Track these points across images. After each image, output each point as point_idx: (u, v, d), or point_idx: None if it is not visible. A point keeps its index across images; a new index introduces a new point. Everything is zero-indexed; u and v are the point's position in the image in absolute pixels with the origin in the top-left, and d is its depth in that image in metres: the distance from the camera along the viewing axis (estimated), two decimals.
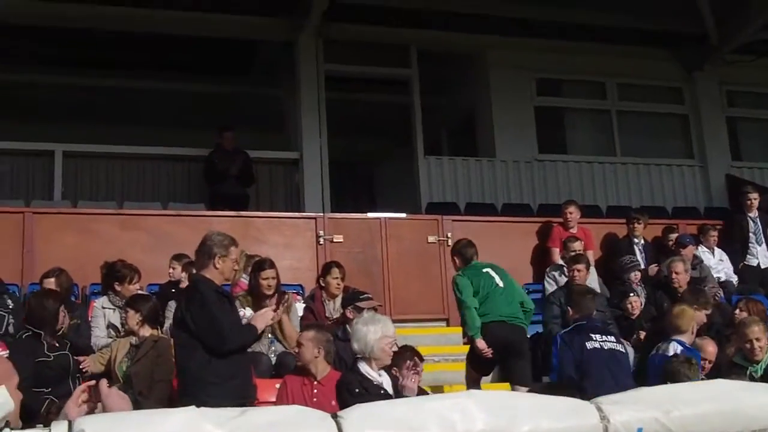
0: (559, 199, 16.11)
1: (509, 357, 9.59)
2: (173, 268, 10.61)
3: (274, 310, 7.86)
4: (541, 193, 16.83)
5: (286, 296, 9.52)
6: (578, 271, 11.21)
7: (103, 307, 9.76)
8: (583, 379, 8.50)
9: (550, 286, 11.91)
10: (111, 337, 9.48)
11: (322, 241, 12.37)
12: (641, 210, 14.15)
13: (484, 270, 9.93)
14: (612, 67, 17.84)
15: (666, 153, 18.15)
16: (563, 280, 11.75)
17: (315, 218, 12.93)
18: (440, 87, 18.10)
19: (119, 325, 9.49)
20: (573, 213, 13.22)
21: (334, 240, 12.34)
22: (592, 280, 11.77)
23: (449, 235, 12.66)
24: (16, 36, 16.13)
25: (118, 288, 9.88)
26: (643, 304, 11.41)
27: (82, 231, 12.10)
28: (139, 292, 9.72)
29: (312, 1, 15.52)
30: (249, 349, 7.84)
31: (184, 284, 9.57)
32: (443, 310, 12.48)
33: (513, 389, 9.14)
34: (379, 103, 18.14)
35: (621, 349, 9.01)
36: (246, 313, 8.84)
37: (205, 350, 6.96)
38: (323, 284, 10.22)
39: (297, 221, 12.92)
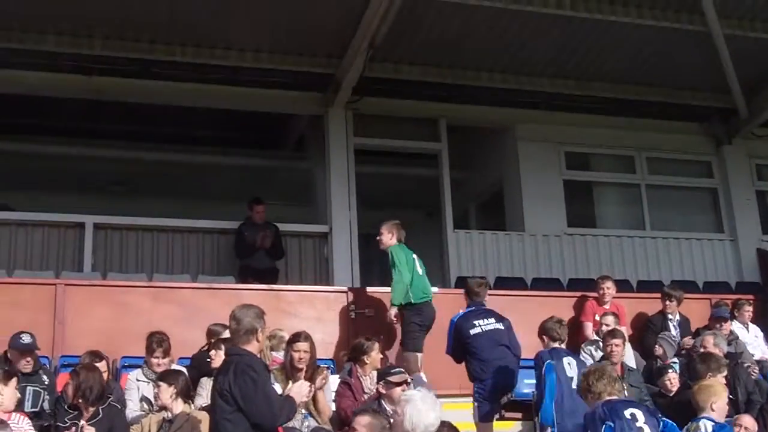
0: (589, 273, 16.07)
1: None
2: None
3: (310, 385, 7.77)
4: (571, 267, 16.76)
5: (321, 370, 9.46)
6: (615, 345, 11.10)
7: (137, 380, 9.71)
8: None
9: (586, 362, 11.77)
10: (144, 411, 9.41)
11: (353, 314, 12.27)
12: (675, 286, 14.01)
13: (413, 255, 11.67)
14: (641, 140, 17.88)
15: (696, 227, 18.09)
16: (599, 355, 11.62)
17: (346, 291, 12.88)
18: (469, 160, 18.18)
19: (153, 399, 9.41)
20: (609, 288, 13.10)
21: (366, 313, 12.26)
22: (629, 356, 11.65)
23: None
24: (48, 108, 16.35)
25: (147, 359, 9.87)
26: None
27: (113, 303, 12.07)
28: (174, 367, 9.67)
29: (342, 76, 15.68)
30: None
31: (216, 359, 9.43)
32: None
33: None
34: (408, 176, 18.20)
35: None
36: (277, 387, 8.73)
37: (251, 426, 6.88)
38: (366, 360, 10.13)
39: (328, 294, 12.87)
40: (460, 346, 10.62)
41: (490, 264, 16.39)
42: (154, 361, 9.74)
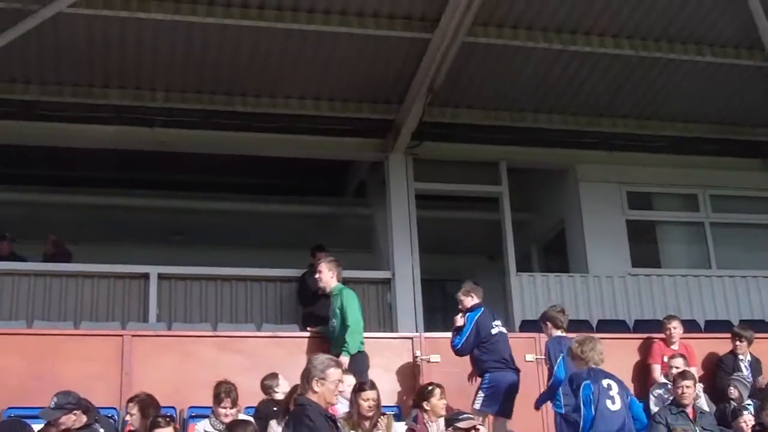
0: (655, 314, 15.88)
1: None
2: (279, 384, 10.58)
3: None
4: (636, 308, 16.57)
5: (387, 417, 9.43)
6: (686, 387, 10.92)
7: (205, 430, 9.70)
8: None
9: (656, 406, 11.60)
10: None
11: (419, 361, 12.20)
12: (745, 326, 13.75)
13: None
14: (703, 178, 17.72)
15: (762, 264, 17.77)
16: (669, 398, 11.44)
17: (411, 338, 12.78)
18: (530, 202, 18.15)
19: None
20: (676, 328, 12.85)
21: (431, 360, 12.18)
22: (702, 398, 11.45)
23: None
24: (109, 161, 16.59)
25: (214, 409, 9.87)
26: None
27: (179, 353, 12.06)
28: (241, 416, 9.65)
29: (402, 122, 15.75)
30: None
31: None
32: (543, 430, 12.19)
33: None
34: (469, 220, 18.20)
35: None
36: None
37: None
38: (426, 406, 10.06)
39: (392, 341, 12.76)
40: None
41: None
42: (222, 411, 9.72)
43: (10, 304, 14.82)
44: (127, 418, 9.72)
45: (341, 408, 9.78)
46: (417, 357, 12.27)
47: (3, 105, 15.20)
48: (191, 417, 11.12)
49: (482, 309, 11.51)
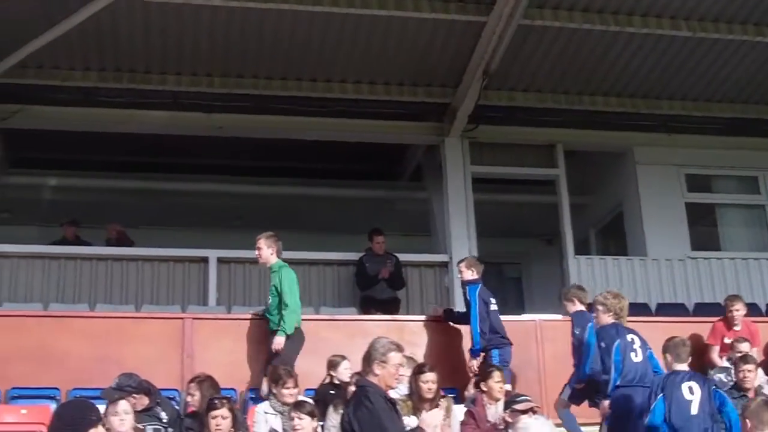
0: (715, 297, 15.73)
1: None
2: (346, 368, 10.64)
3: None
4: (696, 291, 16.42)
5: (445, 400, 9.45)
6: (748, 371, 10.81)
7: (265, 413, 9.77)
8: None
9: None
10: None
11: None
12: None
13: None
14: (764, 160, 17.45)
15: None
16: (730, 382, 11.32)
17: None
18: (588, 185, 18.04)
19: (281, 430, 9.47)
20: (739, 310, 12.70)
21: None
22: (762, 381, 11.33)
23: None
24: (168, 147, 16.75)
25: (274, 391, 9.94)
26: None
27: (238, 336, 12.19)
28: (301, 398, 9.72)
29: (458, 105, 15.73)
30: None
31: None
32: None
33: None
34: (527, 203, 18.14)
35: None
36: (408, 420, 8.69)
37: None
38: (485, 388, 10.08)
39: (450, 325, 12.77)
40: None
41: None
42: (286, 391, 9.77)
43: (73, 287, 15.08)
44: (188, 399, 9.83)
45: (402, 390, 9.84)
46: None
47: (63, 92, 15.43)
48: (251, 398, 11.24)
49: (481, 284, 11.75)
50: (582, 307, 11.20)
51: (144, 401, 9.45)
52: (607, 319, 9.99)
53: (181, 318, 12.40)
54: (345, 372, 10.49)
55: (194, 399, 9.63)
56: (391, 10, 14.49)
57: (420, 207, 17.63)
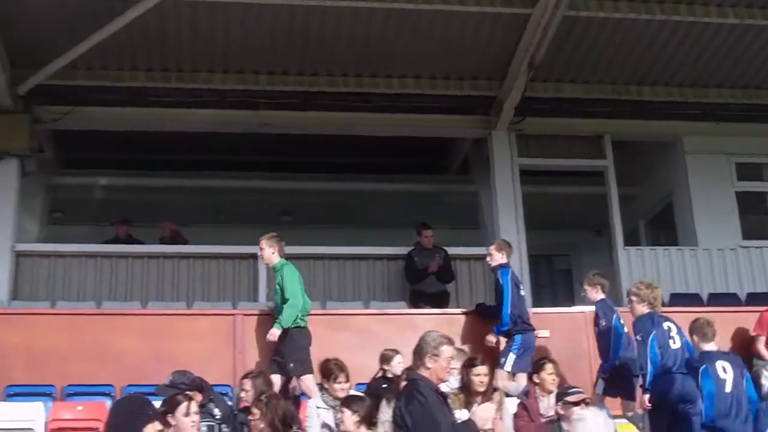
0: (767, 286, 15.59)
1: None
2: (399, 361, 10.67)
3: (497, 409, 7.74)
4: (748, 280, 16.27)
5: (497, 393, 9.45)
6: None
7: (317, 407, 9.82)
8: None
9: None
10: None
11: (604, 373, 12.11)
12: None
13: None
14: None
15: None
16: None
17: None
18: (636, 176, 17.93)
19: (333, 425, 9.51)
20: None
21: (540, 335, 12.15)
22: None
23: None
24: (215, 144, 16.90)
25: (326, 385, 9.99)
26: None
27: None
28: (352, 392, 9.75)
29: (504, 98, 15.71)
30: None
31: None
32: None
33: None
34: (575, 195, 18.06)
35: None
36: (459, 414, 8.69)
37: None
38: (537, 380, 10.08)
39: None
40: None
41: (664, 280, 15.96)
42: (337, 386, 9.82)
43: (125, 285, 15.25)
44: (242, 394, 9.91)
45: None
46: None
47: (111, 93, 15.60)
48: (303, 394, 11.29)
49: (511, 268, 11.86)
50: (604, 296, 11.37)
51: (197, 398, 9.52)
52: (642, 309, 10.16)
53: (232, 314, 12.52)
54: (398, 366, 10.50)
55: (248, 394, 9.71)
56: (436, 4, 14.52)
57: (468, 200, 17.61)
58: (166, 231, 16.13)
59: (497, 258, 11.95)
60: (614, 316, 10.98)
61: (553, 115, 16.45)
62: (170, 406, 8.25)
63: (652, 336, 9.69)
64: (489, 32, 15.08)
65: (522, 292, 11.86)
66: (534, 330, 11.67)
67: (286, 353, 11.16)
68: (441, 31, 15.00)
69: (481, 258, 15.67)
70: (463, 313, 12.89)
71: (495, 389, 9.69)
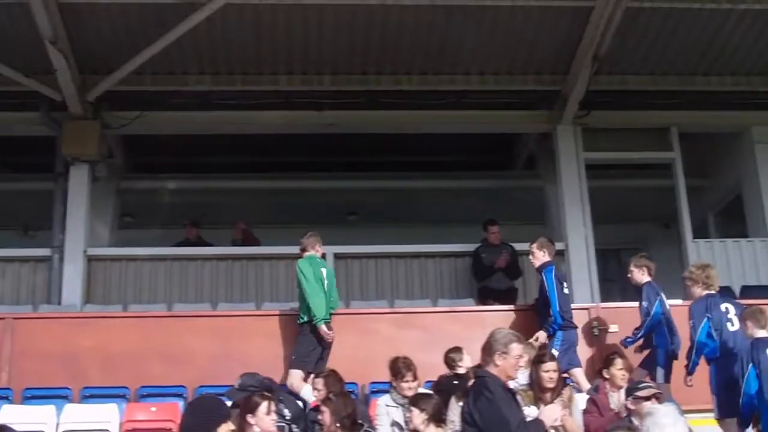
0: None
1: None
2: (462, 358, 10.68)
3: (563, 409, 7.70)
4: None
5: (567, 389, 9.42)
6: None
7: (387, 405, 9.86)
8: None
9: None
10: None
11: (596, 331, 12.11)
12: None
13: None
14: None
15: None
16: None
17: (588, 308, 12.72)
18: (704, 167, 17.71)
19: (403, 423, 9.55)
20: None
21: (610, 330, 12.08)
22: None
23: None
24: (287, 146, 17.01)
25: (394, 384, 10.03)
26: None
27: (358, 330, 12.37)
28: (420, 390, 9.78)
29: (569, 92, 15.62)
30: None
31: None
32: None
33: None
34: (642, 188, 17.89)
35: None
36: (529, 411, 8.67)
37: None
38: (607, 376, 10.03)
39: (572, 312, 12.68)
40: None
41: (734, 272, 15.83)
42: (405, 385, 9.86)
43: (195, 287, 15.44)
44: (314, 393, 9.97)
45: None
46: (594, 327, 12.20)
47: (178, 97, 15.79)
48: (372, 392, 11.36)
49: (554, 266, 11.83)
50: (650, 278, 11.41)
51: None
52: (699, 291, 10.25)
53: None
54: (464, 364, 10.52)
55: (320, 393, 9.78)
56: (499, 0, 14.46)
57: (534, 196, 17.57)
58: (238, 230, 16.28)
59: (539, 257, 11.96)
60: (657, 300, 11.09)
61: (618, 108, 16.29)
62: (250, 407, 8.39)
63: (704, 322, 9.83)
64: (552, 26, 15.00)
65: (566, 290, 11.83)
66: (576, 328, 11.69)
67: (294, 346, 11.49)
68: (504, 26, 14.96)
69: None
70: (531, 309, 12.82)
71: (565, 385, 9.66)
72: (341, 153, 17.70)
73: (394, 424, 9.67)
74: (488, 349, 7.27)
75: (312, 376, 10.67)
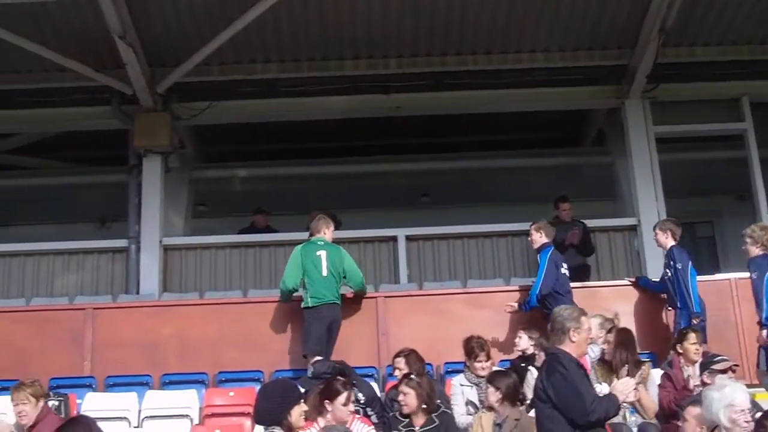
0: None
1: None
2: (519, 337, 10.70)
3: (636, 383, 7.68)
4: None
5: (645, 366, 9.41)
6: None
7: (461, 385, 9.93)
8: None
9: None
10: (470, 414, 9.61)
11: (671, 308, 12.02)
12: None
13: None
14: None
15: None
16: None
17: None
18: None
19: (477, 402, 9.61)
20: None
21: None
22: None
23: None
24: (351, 130, 17.10)
25: (468, 363, 10.08)
26: None
27: (431, 312, 12.43)
28: (495, 368, 9.83)
29: (636, 65, 15.47)
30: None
31: (539, 358, 9.70)
32: None
33: None
34: (714, 160, 17.66)
35: None
36: (601, 387, 8.65)
37: (568, 422, 6.94)
38: (680, 350, 9.97)
39: (642, 289, 12.59)
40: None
41: None
42: (478, 365, 9.92)
43: (269, 273, 15.60)
44: (396, 372, 10.01)
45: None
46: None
47: (245, 86, 15.95)
48: (447, 372, 11.41)
49: (552, 248, 11.83)
50: (675, 242, 11.67)
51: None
52: (756, 251, 10.35)
53: (374, 297, 12.67)
54: (522, 344, 10.54)
55: (401, 372, 9.85)
56: None
57: (605, 171, 17.44)
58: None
59: (537, 239, 12.03)
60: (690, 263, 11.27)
61: (687, 80, 16.07)
62: (330, 393, 8.51)
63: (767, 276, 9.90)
64: (616, 0, 14.87)
65: (564, 271, 11.79)
66: None
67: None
68: (568, 1, 14.85)
69: (621, 229, 15.67)
70: (604, 286, 12.79)
71: (641, 361, 9.63)
72: (408, 135, 17.74)
73: (469, 403, 9.76)
74: (559, 329, 7.29)
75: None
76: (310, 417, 8.03)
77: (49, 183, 18.32)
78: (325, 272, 11.49)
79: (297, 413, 6.33)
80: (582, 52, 15.93)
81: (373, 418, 9.47)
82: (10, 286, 15.82)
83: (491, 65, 15.92)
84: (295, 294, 11.69)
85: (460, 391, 9.88)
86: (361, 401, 9.66)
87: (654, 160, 15.81)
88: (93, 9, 13.95)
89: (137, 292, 15.09)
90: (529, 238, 12.24)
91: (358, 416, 8.93)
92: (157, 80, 15.36)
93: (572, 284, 12.61)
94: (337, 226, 16.02)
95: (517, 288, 12.93)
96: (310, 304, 11.36)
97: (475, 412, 9.48)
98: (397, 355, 10.22)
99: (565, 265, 11.89)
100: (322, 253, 11.59)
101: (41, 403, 8.80)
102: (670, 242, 11.60)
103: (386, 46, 15.62)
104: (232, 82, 15.86)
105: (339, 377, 9.24)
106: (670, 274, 11.48)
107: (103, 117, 15.97)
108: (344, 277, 11.74)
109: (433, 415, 8.90)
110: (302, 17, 14.82)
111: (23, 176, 18.38)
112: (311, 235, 11.91)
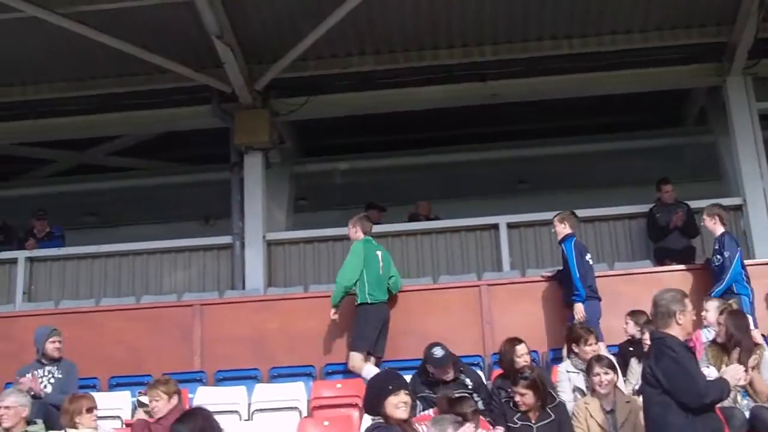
0: None
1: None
2: (627, 323, 10.63)
3: (746, 369, 7.59)
4: None
5: (759, 349, 9.26)
6: None
7: (567, 371, 9.89)
8: None
9: None
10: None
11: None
12: None
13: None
14: None
15: None
16: None
17: None
18: None
19: (584, 388, 9.56)
20: None
21: None
22: None
23: None
24: (447, 119, 17.10)
25: (575, 350, 10.03)
26: None
27: (535, 299, 12.39)
28: (599, 353, 9.76)
29: (736, 42, 15.16)
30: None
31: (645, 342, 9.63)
32: None
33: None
34: None
35: None
36: (708, 371, 8.50)
37: (679, 407, 6.88)
38: None
39: (753, 269, 12.23)
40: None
41: None
42: (588, 348, 9.86)
43: None
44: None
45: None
46: None
47: (342, 79, 16.05)
48: (553, 359, 11.38)
49: (575, 237, 11.86)
50: (723, 228, 11.71)
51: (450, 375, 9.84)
52: None
53: (478, 285, 12.72)
54: (629, 329, 10.48)
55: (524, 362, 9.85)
56: None
57: (707, 151, 17.14)
58: (423, 208, 16.47)
59: (560, 230, 11.96)
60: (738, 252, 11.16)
61: None
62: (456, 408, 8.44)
63: None
64: None
65: (589, 260, 11.69)
66: (600, 300, 11.49)
67: (351, 328, 11.62)
68: None
69: (726, 209, 15.28)
70: (704, 268, 12.57)
71: (756, 344, 9.48)
72: (505, 122, 17.67)
73: (576, 389, 9.70)
74: (665, 313, 7.23)
75: None
76: None
77: (154, 183, 18.77)
78: (381, 271, 11.73)
79: (392, 404, 6.66)
80: (680, 31, 15.66)
81: (480, 405, 9.42)
82: (122, 286, 16.20)
83: (587, 48, 15.76)
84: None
85: (567, 378, 9.84)
86: (470, 387, 9.73)
87: (758, 137, 15.46)
88: (190, 11, 14.19)
89: (243, 288, 15.31)
90: (553, 230, 12.22)
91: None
92: (255, 77, 15.56)
93: (677, 267, 12.54)
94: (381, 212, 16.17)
95: (621, 272, 12.83)
96: (369, 301, 11.56)
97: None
98: (518, 342, 10.12)
99: (589, 254, 11.85)
100: (379, 253, 11.90)
101: (174, 400, 9.07)
102: (719, 228, 11.38)
103: (481, 33, 15.57)
104: (328, 76, 15.97)
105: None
106: (719, 260, 11.33)
107: (204, 116, 16.25)
108: (391, 278, 11.96)
109: (549, 408, 8.87)
110: (395, 8, 14.85)
111: (129, 177, 18.86)
112: (365, 233, 12.03)
